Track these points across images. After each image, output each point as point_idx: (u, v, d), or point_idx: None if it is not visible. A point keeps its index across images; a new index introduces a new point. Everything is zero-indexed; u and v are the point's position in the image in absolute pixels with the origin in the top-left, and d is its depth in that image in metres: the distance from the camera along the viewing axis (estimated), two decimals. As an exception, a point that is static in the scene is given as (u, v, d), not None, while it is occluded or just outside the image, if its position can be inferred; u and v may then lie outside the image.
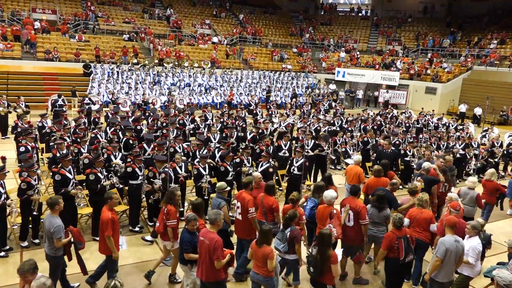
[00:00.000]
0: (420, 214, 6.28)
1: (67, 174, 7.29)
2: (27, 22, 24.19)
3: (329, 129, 14.15)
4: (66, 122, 11.68)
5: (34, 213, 7.07)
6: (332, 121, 15.53)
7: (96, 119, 13.14)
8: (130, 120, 12.62)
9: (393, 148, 10.95)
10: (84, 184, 7.81)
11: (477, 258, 5.52)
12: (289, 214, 5.61)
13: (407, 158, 11.39)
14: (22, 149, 9.42)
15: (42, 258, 6.93)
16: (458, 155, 12.14)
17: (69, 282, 5.94)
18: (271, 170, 8.33)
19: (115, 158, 8.81)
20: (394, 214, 5.84)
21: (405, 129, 15.49)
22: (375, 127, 15.31)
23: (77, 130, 11.04)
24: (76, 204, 7.68)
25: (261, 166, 8.72)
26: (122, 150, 9.84)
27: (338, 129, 14.77)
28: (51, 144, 10.18)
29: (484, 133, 16.68)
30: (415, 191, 7.02)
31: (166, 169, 7.41)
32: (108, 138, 10.55)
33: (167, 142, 8.82)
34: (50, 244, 5.46)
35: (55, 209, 5.51)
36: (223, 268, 5.04)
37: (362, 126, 14.97)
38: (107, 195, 5.81)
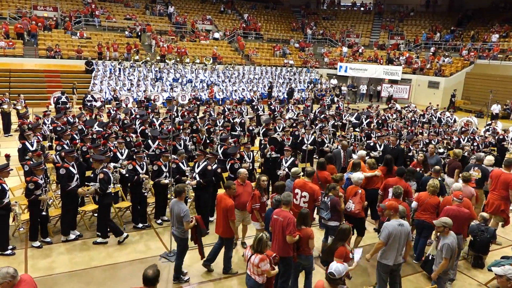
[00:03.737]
0: (428, 199, 6.76)
1: (71, 168, 7.31)
2: (34, 20, 24.32)
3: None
4: (74, 120, 11.66)
5: (43, 213, 7.02)
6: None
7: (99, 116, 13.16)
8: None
9: (397, 145, 10.88)
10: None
11: None
12: (330, 185, 6.70)
13: (410, 154, 11.30)
14: (19, 146, 9.41)
15: (49, 255, 6.97)
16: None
17: (183, 271, 6.32)
18: (209, 168, 7.74)
19: (122, 155, 8.81)
20: (396, 186, 6.69)
21: (410, 124, 15.46)
22: (380, 122, 15.26)
23: (83, 127, 11.03)
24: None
25: (198, 166, 7.81)
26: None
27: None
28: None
29: (487, 127, 16.57)
30: (469, 179, 7.43)
31: (105, 169, 7.19)
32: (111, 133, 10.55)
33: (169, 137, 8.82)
34: (179, 227, 5.97)
35: (181, 196, 6.00)
36: (292, 246, 5.46)
37: (367, 121, 14.91)
38: (228, 184, 6.37)
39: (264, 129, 12.28)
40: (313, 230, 5.66)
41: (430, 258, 6.46)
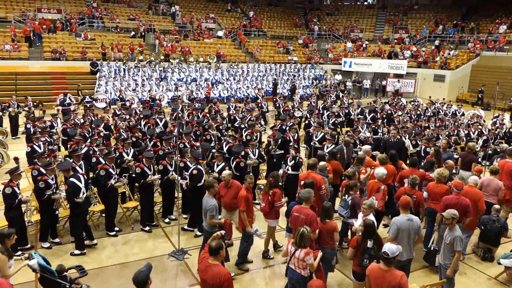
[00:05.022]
0: (436, 188, 6.91)
1: (77, 168, 7.33)
2: (41, 22, 24.54)
3: (336, 121, 14.21)
4: (82, 121, 11.71)
5: (57, 212, 7.08)
6: (337, 113, 15.45)
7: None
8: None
9: (398, 138, 10.82)
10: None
11: None
12: (349, 184, 6.64)
13: (418, 148, 11.20)
14: (28, 149, 9.49)
15: (59, 255, 7.01)
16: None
17: None
18: (195, 172, 7.61)
19: (127, 155, 8.82)
20: (413, 176, 6.93)
21: (417, 119, 15.37)
22: (384, 116, 15.18)
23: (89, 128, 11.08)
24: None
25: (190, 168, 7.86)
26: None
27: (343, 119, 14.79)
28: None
29: (494, 120, 16.42)
30: (497, 171, 7.59)
31: (71, 179, 6.82)
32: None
33: (174, 137, 8.82)
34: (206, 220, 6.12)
35: (210, 191, 6.10)
36: (315, 242, 5.60)
37: (371, 116, 14.84)
38: (247, 177, 6.44)
39: (279, 125, 12.30)
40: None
41: (432, 249, 6.48)
